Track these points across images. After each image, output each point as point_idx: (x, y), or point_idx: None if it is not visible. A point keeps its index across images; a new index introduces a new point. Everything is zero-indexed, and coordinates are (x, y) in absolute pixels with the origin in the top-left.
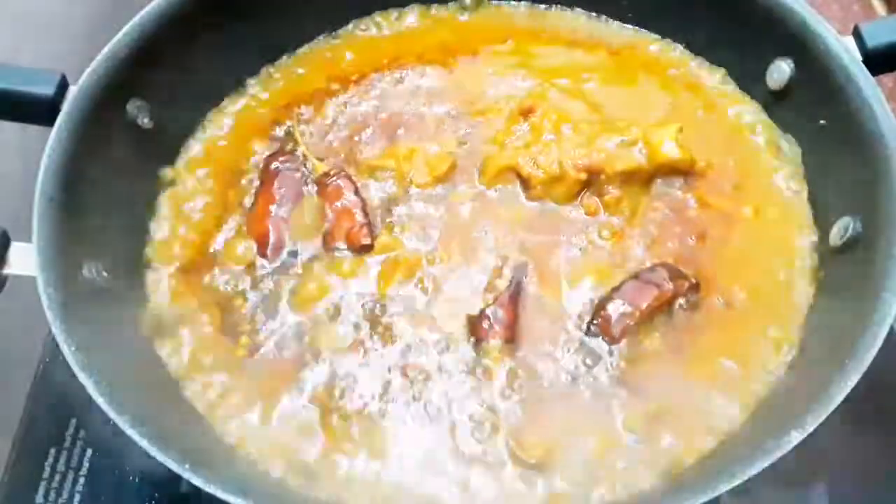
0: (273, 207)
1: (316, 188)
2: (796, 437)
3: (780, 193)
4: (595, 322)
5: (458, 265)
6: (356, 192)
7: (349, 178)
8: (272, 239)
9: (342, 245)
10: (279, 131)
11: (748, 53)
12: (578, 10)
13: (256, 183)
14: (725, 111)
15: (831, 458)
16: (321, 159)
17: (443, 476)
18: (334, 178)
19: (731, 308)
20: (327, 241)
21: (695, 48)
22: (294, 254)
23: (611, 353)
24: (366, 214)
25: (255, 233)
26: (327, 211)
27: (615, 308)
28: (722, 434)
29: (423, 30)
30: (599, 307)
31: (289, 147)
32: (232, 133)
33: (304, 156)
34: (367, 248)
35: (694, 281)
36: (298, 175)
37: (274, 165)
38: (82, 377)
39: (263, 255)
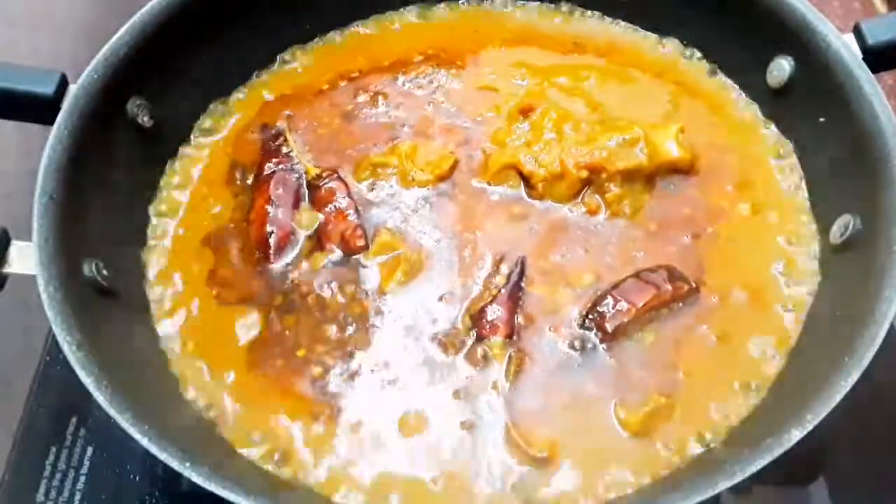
0: (270, 209)
1: (308, 191)
2: (796, 434)
3: (780, 191)
4: (591, 317)
5: (459, 263)
6: (349, 193)
7: (341, 179)
8: (273, 241)
9: (336, 247)
10: (277, 132)
11: (748, 51)
12: (578, 8)
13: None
14: (725, 109)
15: (831, 457)
16: (318, 167)
17: (444, 469)
18: (326, 180)
19: (730, 306)
20: (322, 244)
21: (694, 46)
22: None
23: (607, 349)
24: (359, 216)
25: (255, 236)
26: (321, 213)
27: (611, 305)
28: (721, 432)
29: (423, 30)
30: (596, 303)
31: (284, 148)
32: (232, 133)
33: (299, 158)
34: (362, 250)
35: (693, 285)
36: (295, 176)
37: (269, 166)
38: (82, 376)
39: (266, 258)
